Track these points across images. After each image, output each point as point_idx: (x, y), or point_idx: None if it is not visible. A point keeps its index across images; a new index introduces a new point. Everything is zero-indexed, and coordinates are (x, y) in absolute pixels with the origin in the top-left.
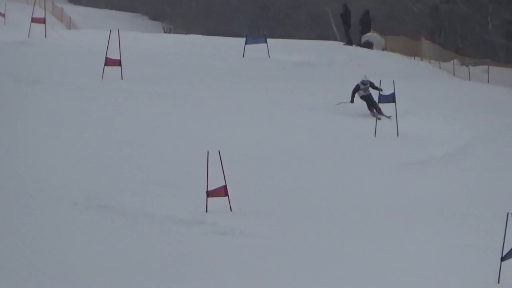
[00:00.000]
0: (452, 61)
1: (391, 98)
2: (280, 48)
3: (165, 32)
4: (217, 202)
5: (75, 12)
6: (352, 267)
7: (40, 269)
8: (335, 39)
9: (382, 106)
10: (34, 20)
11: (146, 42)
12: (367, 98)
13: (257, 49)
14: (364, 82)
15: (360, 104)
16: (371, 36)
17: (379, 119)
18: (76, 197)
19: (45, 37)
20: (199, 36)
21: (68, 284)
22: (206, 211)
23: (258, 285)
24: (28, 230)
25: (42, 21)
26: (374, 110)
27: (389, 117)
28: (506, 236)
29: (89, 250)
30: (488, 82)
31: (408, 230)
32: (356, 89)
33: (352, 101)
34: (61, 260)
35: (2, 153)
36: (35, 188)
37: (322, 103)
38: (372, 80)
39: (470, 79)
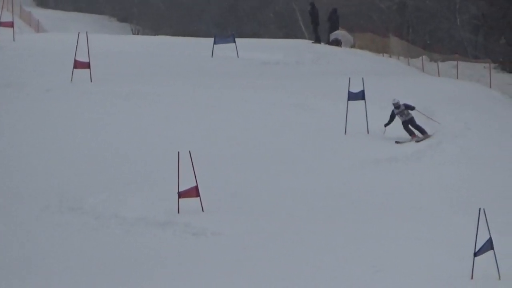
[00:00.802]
0: (420, 57)
1: (360, 96)
2: (249, 47)
3: (133, 34)
4: (189, 202)
5: (43, 15)
6: (322, 264)
7: (11, 270)
8: (303, 37)
9: (350, 103)
10: (2, 24)
11: (114, 44)
12: (407, 123)
13: (225, 48)
14: (396, 106)
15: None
16: (339, 33)
17: (419, 141)
18: (47, 200)
19: (14, 41)
20: (168, 37)
21: (39, 282)
22: (178, 212)
23: (230, 285)
24: (8, 229)
25: (10, 25)
26: (417, 133)
27: (430, 135)
28: (478, 232)
29: (61, 252)
30: (457, 78)
31: (379, 226)
32: (393, 115)
33: (386, 125)
34: (32, 261)
35: None
36: (5, 192)
37: (291, 101)
38: (402, 101)
39: (439, 75)
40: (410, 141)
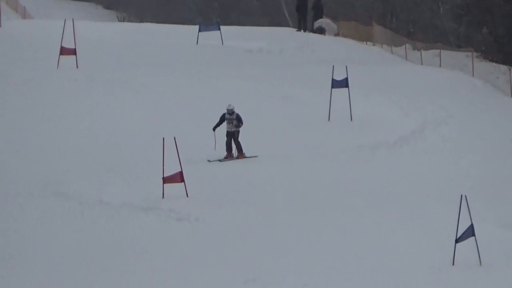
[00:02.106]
0: (404, 46)
1: (344, 83)
2: (233, 35)
3: (119, 21)
4: (173, 188)
5: (30, 1)
6: (303, 250)
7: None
8: (287, 25)
9: (334, 91)
10: None
11: (100, 31)
12: (231, 135)
13: (210, 36)
14: (230, 112)
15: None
16: (323, 22)
17: (235, 158)
18: (32, 186)
19: (0, 27)
20: (153, 24)
21: (24, 269)
22: (163, 197)
23: (213, 269)
24: None
25: None
26: (234, 152)
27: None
28: (459, 219)
29: (45, 237)
30: (440, 66)
31: (361, 213)
32: (222, 119)
33: (214, 128)
34: (16, 247)
35: None
36: None
37: (275, 89)
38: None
39: (422, 63)
40: (222, 160)
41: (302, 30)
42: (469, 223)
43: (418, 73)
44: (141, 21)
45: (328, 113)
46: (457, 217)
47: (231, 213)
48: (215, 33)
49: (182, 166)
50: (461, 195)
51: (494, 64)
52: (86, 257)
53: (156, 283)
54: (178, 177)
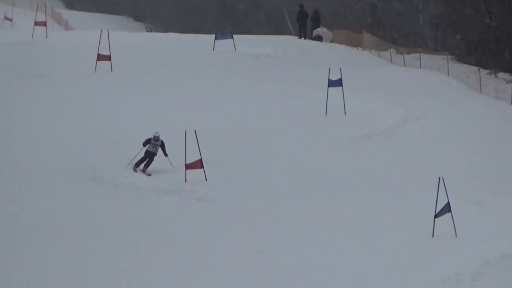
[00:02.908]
0: (389, 50)
1: (338, 83)
2: (244, 43)
3: (147, 31)
4: (194, 173)
5: (71, 16)
6: (303, 227)
7: (41, 233)
8: (289, 34)
9: (330, 89)
10: (36, 23)
11: (131, 40)
12: (150, 155)
13: (224, 43)
14: (155, 138)
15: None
16: (320, 30)
17: (136, 171)
18: (72, 172)
19: (46, 37)
20: (176, 34)
21: (67, 244)
22: (185, 181)
23: (227, 242)
24: (33, 201)
25: (44, 24)
26: (142, 167)
27: (148, 175)
28: (438, 198)
29: (84, 217)
30: (420, 67)
31: (353, 195)
32: (147, 142)
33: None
34: (59, 225)
35: (10, 138)
36: (36, 167)
37: (280, 88)
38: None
39: (404, 65)
40: (140, 170)
41: (302, 38)
42: (446, 201)
43: (401, 74)
44: (166, 31)
45: (325, 108)
46: (436, 196)
47: (243, 195)
48: (229, 41)
49: (201, 155)
50: (439, 178)
51: (466, 65)
52: (118, 232)
53: (178, 253)
54: (198, 164)
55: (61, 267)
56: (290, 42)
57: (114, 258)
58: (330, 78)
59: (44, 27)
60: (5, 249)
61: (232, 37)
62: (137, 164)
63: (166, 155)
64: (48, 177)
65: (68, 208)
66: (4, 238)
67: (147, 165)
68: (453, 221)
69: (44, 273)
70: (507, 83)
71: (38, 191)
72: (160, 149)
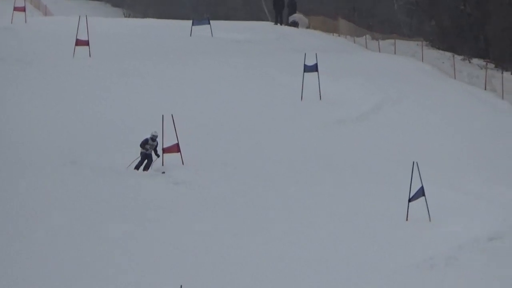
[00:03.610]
0: (364, 36)
1: (314, 68)
2: (221, 28)
3: (125, 17)
4: (171, 157)
5: (50, 1)
6: (282, 208)
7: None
8: (266, 20)
9: (306, 74)
10: (16, 8)
11: (109, 26)
12: (146, 157)
13: (201, 29)
14: (153, 138)
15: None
16: (296, 17)
17: (137, 169)
18: (51, 156)
19: (25, 22)
20: (153, 19)
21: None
22: (162, 164)
23: (205, 224)
24: (17, 184)
25: (23, 9)
26: (142, 166)
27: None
28: (412, 182)
29: (63, 198)
30: (395, 53)
31: (327, 180)
32: (145, 142)
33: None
34: (38, 206)
35: None
36: (17, 150)
37: (257, 73)
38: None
39: (380, 51)
40: (133, 167)
41: (278, 24)
42: (420, 186)
43: (376, 59)
44: (144, 17)
45: (301, 93)
46: (410, 180)
47: (219, 178)
48: (206, 26)
49: (178, 139)
50: (413, 162)
51: (440, 51)
52: (98, 214)
53: (157, 234)
54: (175, 148)
55: (41, 247)
56: (266, 28)
57: (92, 240)
58: (305, 63)
59: (23, 12)
60: None
61: (209, 23)
62: (137, 167)
63: (158, 156)
64: (28, 161)
65: (47, 191)
66: None
67: (147, 167)
68: (427, 205)
69: (25, 253)
70: (481, 69)
71: (17, 174)
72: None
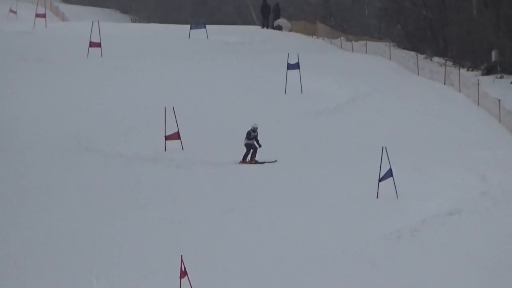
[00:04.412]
0: (340, 38)
1: (296, 66)
2: (215, 32)
3: (132, 22)
4: (172, 143)
5: (67, 9)
6: (268, 189)
7: (42, 198)
8: (254, 24)
9: (289, 72)
10: (37, 15)
11: (118, 30)
12: (249, 146)
13: (198, 33)
14: (254, 129)
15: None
16: (280, 21)
17: (247, 163)
18: (68, 143)
19: (46, 27)
20: (157, 24)
21: (63, 208)
22: (165, 150)
23: (201, 202)
24: (35, 169)
25: (43, 16)
26: (249, 159)
27: (261, 163)
28: (381, 165)
29: (78, 182)
30: (366, 53)
31: (308, 163)
32: (249, 134)
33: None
34: (56, 188)
35: (13, 114)
36: (36, 138)
37: (245, 71)
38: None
39: (353, 51)
40: (240, 163)
41: (265, 28)
42: (389, 167)
43: (350, 58)
44: (149, 22)
45: (284, 88)
46: (380, 163)
47: (215, 161)
48: (202, 30)
49: (178, 127)
50: (383, 147)
51: (405, 51)
52: (108, 196)
53: (159, 212)
54: (176, 135)
55: (57, 229)
56: (255, 32)
57: (104, 220)
58: (288, 62)
59: (44, 19)
60: (7, 210)
61: (205, 27)
62: (244, 158)
63: (259, 146)
64: (49, 149)
65: (65, 174)
66: (7, 200)
67: (253, 156)
68: (394, 184)
69: (41, 234)
70: (441, 66)
71: (40, 160)
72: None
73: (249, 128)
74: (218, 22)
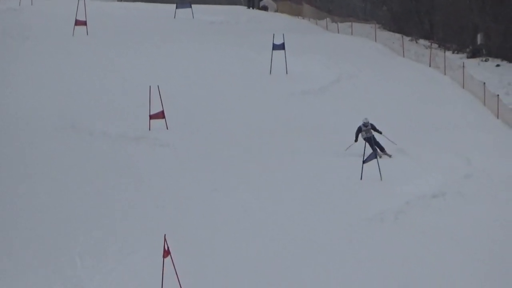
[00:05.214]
0: (325, 19)
1: (281, 46)
2: (201, 11)
3: (118, 1)
4: (157, 123)
5: None
6: (253, 167)
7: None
8: (240, 4)
9: (274, 52)
10: None
11: (104, 8)
12: (369, 140)
13: (184, 12)
14: (365, 124)
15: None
16: (266, 1)
17: (380, 157)
18: (54, 122)
19: (32, 5)
20: (143, 3)
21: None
22: (149, 129)
23: (187, 181)
24: (16, 145)
25: None
26: (378, 150)
27: (390, 156)
28: (365, 146)
29: (65, 160)
30: (352, 34)
31: (293, 143)
32: (359, 130)
33: (356, 140)
34: (39, 168)
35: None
36: (22, 115)
37: (231, 51)
38: (371, 122)
39: (338, 32)
40: (377, 155)
41: (251, 8)
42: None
43: (335, 40)
44: (135, 1)
45: (270, 68)
46: (364, 144)
47: (199, 141)
48: (188, 9)
49: (163, 107)
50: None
51: (391, 32)
52: (94, 173)
53: (143, 192)
54: (161, 115)
55: (40, 207)
56: (240, 12)
57: (88, 199)
58: (274, 42)
59: None
60: None
61: (191, 7)
62: (371, 157)
63: (380, 132)
64: (33, 127)
65: (49, 152)
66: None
67: (379, 147)
68: (378, 166)
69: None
70: (426, 48)
71: (23, 138)
72: (372, 131)
73: (360, 124)
74: (204, 1)
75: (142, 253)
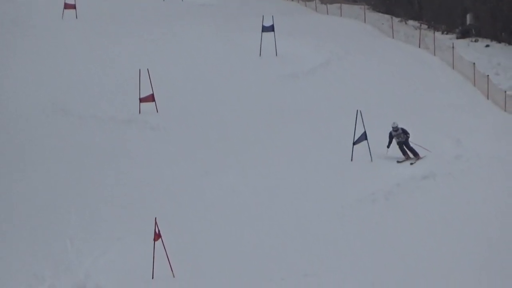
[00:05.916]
0: (314, 1)
1: (271, 28)
2: None
3: None
4: (147, 106)
5: None
6: (244, 150)
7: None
8: None
9: (264, 34)
10: None
11: None
12: (401, 144)
13: None
14: (394, 129)
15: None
16: None
17: (412, 164)
18: (44, 105)
19: None
20: None
21: (37, 166)
22: (139, 112)
23: (178, 165)
24: (7, 128)
25: None
26: (410, 154)
27: (421, 158)
28: (356, 128)
29: (53, 143)
30: (341, 16)
31: (283, 126)
32: (390, 135)
33: (388, 146)
34: (30, 151)
35: None
36: (13, 98)
37: (221, 34)
38: (400, 126)
39: (328, 14)
40: (405, 160)
41: None
42: (363, 131)
43: (325, 21)
44: None
45: (259, 50)
46: (354, 126)
47: (189, 124)
48: None
49: (153, 90)
50: (357, 110)
51: (380, 14)
52: (84, 157)
53: (134, 175)
54: (151, 98)
55: (31, 191)
56: None
57: (78, 182)
58: (263, 24)
59: None
60: None
61: None
62: (405, 155)
63: (408, 135)
64: (24, 110)
65: (40, 136)
66: None
67: (412, 152)
68: (369, 148)
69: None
70: (416, 29)
71: (14, 122)
72: (404, 135)
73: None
74: None
75: (133, 236)
